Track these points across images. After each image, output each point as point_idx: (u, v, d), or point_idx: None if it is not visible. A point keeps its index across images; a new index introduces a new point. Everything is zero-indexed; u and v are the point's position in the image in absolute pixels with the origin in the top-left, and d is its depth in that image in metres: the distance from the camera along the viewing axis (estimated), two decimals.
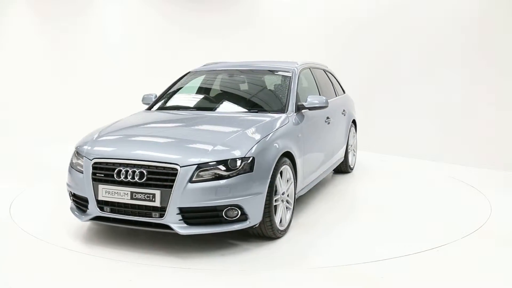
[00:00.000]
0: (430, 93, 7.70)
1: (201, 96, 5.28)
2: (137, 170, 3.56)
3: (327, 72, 6.24)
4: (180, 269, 3.41)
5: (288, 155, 4.12)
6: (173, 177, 3.49)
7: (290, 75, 4.96)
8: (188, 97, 5.29)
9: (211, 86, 5.36)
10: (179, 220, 3.50)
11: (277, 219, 3.90)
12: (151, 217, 3.54)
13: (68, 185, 4.07)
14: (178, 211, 3.47)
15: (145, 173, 3.54)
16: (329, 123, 5.34)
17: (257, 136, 3.86)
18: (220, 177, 3.51)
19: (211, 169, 3.52)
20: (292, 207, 4.20)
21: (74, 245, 3.84)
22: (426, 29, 7.72)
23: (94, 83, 10.38)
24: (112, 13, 10.65)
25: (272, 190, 3.76)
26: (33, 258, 3.68)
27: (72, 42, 10.48)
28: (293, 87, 4.78)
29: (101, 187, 3.66)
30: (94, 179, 3.72)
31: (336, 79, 6.58)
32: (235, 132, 3.92)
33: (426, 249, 3.81)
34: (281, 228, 3.99)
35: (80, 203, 3.92)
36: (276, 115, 4.42)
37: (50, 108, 10.08)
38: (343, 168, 6.39)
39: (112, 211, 3.66)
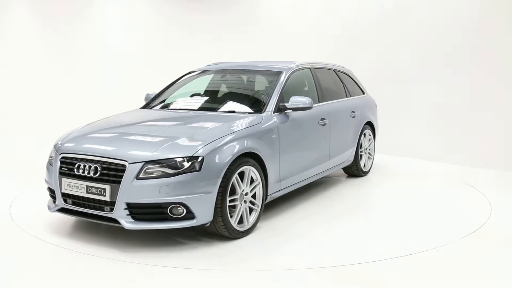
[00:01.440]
0: (430, 93, 7.71)
1: (190, 96, 5.37)
2: (93, 165, 3.75)
3: (338, 73, 6.12)
4: (181, 269, 3.41)
5: (254, 155, 4.11)
6: (122, 173, 3.62)
7: (278, 76, 4.94)
8: (179, 97, 5.38)
9: (203, 87, 5.45)
10: (127, 215, 3.62)
11: (233, 220, 3.89)
12: (103, 210, 3.70)
13: (45, 180, 4.25)
14: (125, 206, 3.60)
15: (99, 169, 3.72)
16: (324, 124, 5.22)
17: (213, 136, 3.89)
18: (166, 175, 3.58)
19: (157, 167, 3.61)
20: (259, 209, 4.17)
21: (74, 245, 3.83)
22: (426, 29, 7.72)
23: (94, 83, 10.39)
24: (112, 13, 10.65)
25: (225, 190, 3.77)
26: (33, 258, 3.68)
27: (72, 42, 10.49)
28: (277, 88, 4.77)
29: (64, 180, 3.89)
30: (60, 173, 3.95)
31: (354, 80, 6.45)
32: (193, 132, 4.03)
33: (426, 249, 3.81)
34: (241, 229, 3.99)
35: (52, 195, 4.13)
36: (250, 115, 4.44)
37: (50, 108, 10.09)
38: (354, 172, 6.21)
39: (73, 203, 3.87)
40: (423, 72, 7.80)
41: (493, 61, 6.98)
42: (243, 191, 3.99)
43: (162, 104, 5.25)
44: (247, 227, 4.06)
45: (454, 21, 7.40)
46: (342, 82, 6.11)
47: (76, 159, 3.88)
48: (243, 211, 4.01)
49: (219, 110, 4.76)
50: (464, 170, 6.83)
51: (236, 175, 3.87)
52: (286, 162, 4.56)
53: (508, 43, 6.81)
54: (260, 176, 4.15)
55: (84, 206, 3.80)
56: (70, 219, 4.41)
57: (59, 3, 10.46)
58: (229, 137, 3.93)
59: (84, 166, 3.78)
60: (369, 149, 6.47)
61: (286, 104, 4.62)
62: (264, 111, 4.53)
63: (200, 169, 3.64)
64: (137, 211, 3.62)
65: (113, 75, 10.37)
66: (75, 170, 3.83)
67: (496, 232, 4.29)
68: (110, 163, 3.70)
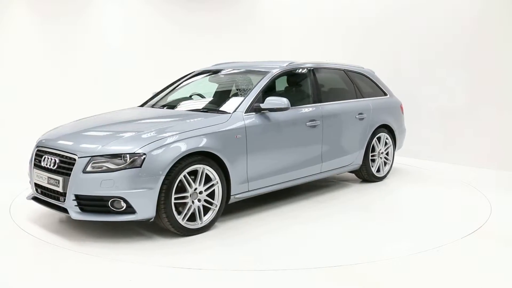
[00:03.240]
0: (431, 94, 7.71)
1: (177, 95, 5.43)
2: (54, 158, 4.06)
3: (350, 73, 5.94)
4: (180, 269, 3.41)
5: (214, 154, 4.14)
6: (73, 166, 3.86)
7: (262, 76, 4.91)
8: (170, 96, 5.46)
9: (194, 86, 5.47)
10: (75, 205, 3.85)
11: (181, 216, 3.95)
12: (59, 200, 3.96)
13: (27, 173, 4.49)
14: (74, 198, 3.83)
15: (57, 161, 4.02)
16: (314, 126, 5.06)
17: (162, 134, 3.99)
18: (108, 170, 3.76)
19: (102, 161, 3.80)
20: (217, 208, 4.19)
21: (74, 245, 3.84)
22: (426, 30, 7.72)
23: (94, 83, 10.39)
24: (112, 13, 10.65)
25: (170, 187, 3.84)
26: (33, 258, 3.69)
27: (72, 42, 10.48)
28: (255, 88, 4.74)
29: (35, 171, 4.25)
30: (34, 164, 4.30)
31: (374, 81, 6.23)
32: (149, 129, 4.12)
33: (426, 249, 3.81)
34: (192, 227, 4.04)
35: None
36: (217, 115, 4.46)
37: (50, 107, 10.08)
38: (365, 176, 5.93)
39: (42, 193, 4.19)
40: (423, 72, 7.80)
41: (494, 61, 6.97)
42: (195, 189, 4.03)
43: (155, 102, 5.37)
44: (200, 225, 4.09)
45: (453, 20, 7.40)
46: (354, 83, 5.90)
47: (45, 152, 4.19)
48: (195, 209, 4.05)
49: (194, 109, 4.83)
50: (464, 170, 6.83)
51: (185, 173, 3.94)
52: (257, 163, 4.51)
53: (508, 43, 6.80)
54: (219, 176, 4.17)
55: (48, 196, 4.10)
56: (69, 219, 4.42)
57: (59, 3, 10.45)
58: (178, 136, 3.99)
59: (48, 158, 4.10)
60: (385, 154, 6.13)
61: (261, 105, 4.59)
62: (235, 110, 4.52)
63: (141, 166, 3.76)
64: (84, 202, 3.83)
65: (113, 74, 10.37)
66: (42, 162, 4.16)
67: (496, 232, 4.29)
68: (66, 157, 3.96)
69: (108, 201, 3.77)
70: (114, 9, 10.63)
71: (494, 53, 6.96)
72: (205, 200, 4.12)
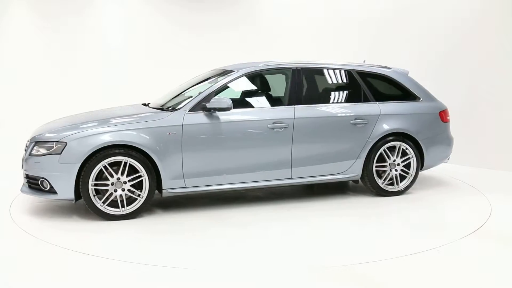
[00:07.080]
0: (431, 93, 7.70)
1: (166, 94, 5.50)
2: (27, 143, 4.69)
3: (358, 74, 5.38)
4: (180, 269, 3.41)
5: (142, 150, 4.40)
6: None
7: (225, 76, 4.92)
8: (163, 95, 5.52)
9: (186, 86, 5.43)
10: (26, 182, 4.56)
11: (100, 202, 4.36)
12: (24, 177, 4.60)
13: None
14: (25, 175, 4.54)
15: (25, 146, 4.67)
16: (281, 128, 4.82)
17: (92, 126, 4.44)
18: (40, 154, 4.39)
19: (39, 147, 4.42)
20: (142, 199, 4.46)
21: (74, 245, 3.84)
22: (426, 30, 7.72)
23: (94, 83, 10.39)
24: (112, 13, 10.65)
25: (88, 175, 4.30)
26: (33, 258, 3.68)
27: (72, 42, 10.48)
28: (210, 88, 4.78)
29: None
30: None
31: (401, 84, 5.57)
32: (91, 121, 4.57)
33: (426, 249, 3.81)
34: (113, 213, 4.40)
35: None
36: (160, 112, 4.68)
37: (50, 107, 10.08)
38: (370, 189, 5.36)
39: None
40: (423, 72, 7.79)
41: (494, 61, 6.97)
42: (118, 179, 4.39)
43: (164, 102, 5.34)
44: (123, 213, 4.43)
45: (453, 20, 7.40)
46: (363, 85, 5.36)
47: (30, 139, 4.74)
48: (117, 197, 4.40)
49: (155, 107, 5.01)
50: (464, 170, 6.83)
51: (105, 163, 4.34)
52: (195, 161, 4.60)
53: (508, 43, 6.80)
54: (146, 169, 4.43)
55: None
56: (69, 219, 4.45)
57: (59, 3, 10.44)
58: (101, 129, 4.40)
59: (26, 144, 4.69)
60: (402, 166, 5.37)
61: (207, 104, 4.62)
62: (178, 108, 4.67)
63: (61, 153, 4.29)
64: (30, 181, 4.49)
65: (113, 74, 10.37)
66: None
67: (496, 232, 4.29)
68: (28, 142, 4.63)
69: (38, 180, 4.37)
70: (114, 9, 10.62)
71: (495, 53, 6.96)
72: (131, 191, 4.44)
